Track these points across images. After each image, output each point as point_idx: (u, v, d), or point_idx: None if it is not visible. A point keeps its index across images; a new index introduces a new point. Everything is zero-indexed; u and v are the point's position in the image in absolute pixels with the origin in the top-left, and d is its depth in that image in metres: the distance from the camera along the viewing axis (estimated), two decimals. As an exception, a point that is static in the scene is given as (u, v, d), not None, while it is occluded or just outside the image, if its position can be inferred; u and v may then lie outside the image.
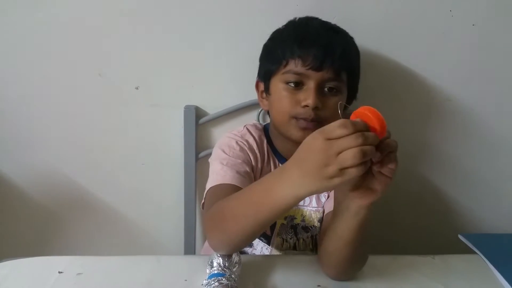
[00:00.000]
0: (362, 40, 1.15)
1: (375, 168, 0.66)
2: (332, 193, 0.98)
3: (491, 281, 0.89)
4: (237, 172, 0.93)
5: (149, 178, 1.31)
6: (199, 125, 1.24)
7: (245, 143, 1.01)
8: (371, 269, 0.89)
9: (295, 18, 1.03)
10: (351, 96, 1.03)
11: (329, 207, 0.94)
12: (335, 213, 0.77)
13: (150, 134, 1.28)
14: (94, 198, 1.34)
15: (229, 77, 1.19)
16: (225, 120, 1.24)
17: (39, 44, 1.17)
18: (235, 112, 1.23)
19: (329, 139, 0.60)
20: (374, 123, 0.62)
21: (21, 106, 1.24)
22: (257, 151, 1.02)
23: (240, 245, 0.86)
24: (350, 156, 0.58)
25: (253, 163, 1.00)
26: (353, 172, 0.59)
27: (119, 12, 1.15)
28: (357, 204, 0.70)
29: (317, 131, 0.62)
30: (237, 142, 1.01)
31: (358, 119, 0.62)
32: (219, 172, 0.93)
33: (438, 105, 1.26)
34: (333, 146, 0.59)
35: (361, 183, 0.68)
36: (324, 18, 1.03)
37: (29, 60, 1.19)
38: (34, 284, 0.81)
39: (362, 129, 0.60)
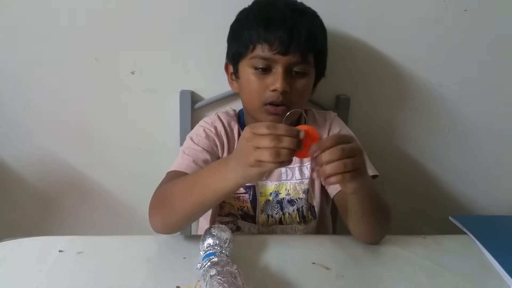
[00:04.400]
0: (353, 27, 1.18)
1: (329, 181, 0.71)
2: None
3: (480, 260, 0.91)
4: (193, 161, 0.96)
5: (144, 162, 1.33)
6: (194, 110, 1.25)
7: (213, 129, 1.05)
8: (363, 247, 0.92)
9: None
10: (319, 74, 1.05)
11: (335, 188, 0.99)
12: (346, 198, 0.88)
13: (146, 118, 1.29)
14: (90, 182, 1.35)
15: (224, 62, 1.20)
16: (221, 105, 1.26)
17: (35, 30, 1.17)
18: (230, 97, 1.24)
19: (255, 134, 0.68)
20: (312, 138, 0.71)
21: (18, 92, 1.24)
22: (224, 137, 1.05)
23: (180, 225, 0.90)
24: (265, 152, 0.67)
25: (219, 147, 1.04)
26: (269, 166, 0.68)
27: (115, -3, 1.15)
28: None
29: (250, 126, 0.70)
30: (204, 130, 1.05)
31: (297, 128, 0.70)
32: (178, 159, 0.99)
33: (430, 91, 1.29)
34: (253, 140, 0.68)
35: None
36: (314, 5, 1.03)
37: (25, 45, 1.19)
38: (35, 262, 0.82)
39: (283, 132, 0.67)
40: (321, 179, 0.72)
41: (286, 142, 0.67)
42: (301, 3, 1.03)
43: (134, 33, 1.19)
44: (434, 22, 1.20)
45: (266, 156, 0.67)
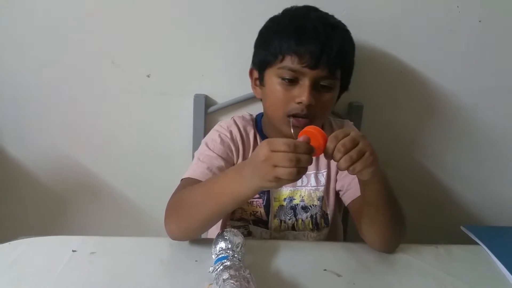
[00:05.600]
0: (369, 36, 1.18)
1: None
2: (333, 174, 1.07)
3: (493, 271, 0.91)
4: (208, 168, 0.96)
5: (157, 165, 1.34)
6: (208, 114, 1.26)
7: (228, 134, 1.05)
8: (375, 255, 0.92)
9: (292, 7, 1.03)
10: (343, 88, 1.05)
11: (352, 191, 1.01)
12: (362, 188, 0.88)
13: (159, 121, 1.30)
14: (102, 183, 1.36)
15: (238, 67, 1.20)
16: (234, 109, 1.26)
17: (52, 31, 1.19)
18: (244, 101, 1.25)
19: (273, 151, 0.70)
20: (318, 138, 0.74)
21: (33, 93, 1.26)
22: (239, 142, 1.05)
23: (196, 232, 0.91)
24: (285, 172, 0.69)
25: (234, 152, 1.04)
26: (287, 182, 0.71)
27: (132, 2, 1.17)
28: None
29: (267, 141, 0.72)
30: (219, 135, 1.04)
31: (303, 136, 0.73)
32: (193, 166, 0.99)
33: (443, 100, 1.28)
34: (273, 158, 0.70)
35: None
36: (331, 12, 1.03)
37: (42, 47, 1.21)
38: (49, 261, 0.83)
39: (302, 150, 0.70)
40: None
41: (304, 161, 0.70)
42: (333, 17, 1.02)
43: (150, 37, 1.20)
44: (449, 31, 1.20)
45: (285, 175, 0.69)
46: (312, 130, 0.75)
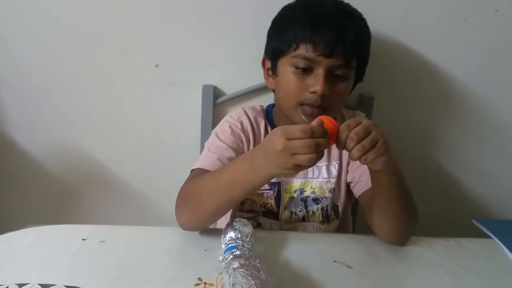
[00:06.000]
0: (381, 26, 1.15)
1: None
2: (344, 165, 1.06)
3: (506, 265, 0.89)
4: (218, 159, 0.95)
5: (165, 155, 1.33)
6: (216, 104, 1.25)
7: (239, 125, 1.04)
8: (385, 247, 0.91)
9: None
10: (358, 79, 1.03)
11: (363, 183, 0.99)
12: (374, 179, 0.86)
13: (168, 112, 1.29)
14: (111, 173, 1.36)
15: (248, 57, 1.19)
16: (243, 100, 1.25)
17: (60, 21, 1.19)
18: (253, 92, 1.24)
19: (290, 139, 0.69)
20: (331, 127, 0.73)
21: (42, 84, 1.26)
22: (250, 132, 1.04)
23: (207, 222, 0.89)
24: (305, 158, 0.69)
25: (245, 143, 1.03)
26: (304, 168, 0.71)
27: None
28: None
29: (281, 130, 0.71)
30: (230, 126, 1.03)
31: (316, 120, 0.73)
32: (203, 156, 0.98)
33: (455, 92, 1.26)
34: (291, 147, 0.69)
35: None
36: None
37: (50, 37, 1.20)
38: (58, 250, 0.83)
39: (318, 134, 0.69)
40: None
41: (323, 145, 0.70)
42: (349, 5, 1.00)
43: (159, 27, 1.19)
44: (463, 21, 1.18)
45: (306, 161, 0.69)
46: (324, 120, 0.74)
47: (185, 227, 0.89)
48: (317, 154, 0.69)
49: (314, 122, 0.72)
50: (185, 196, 0.88)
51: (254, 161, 0.76)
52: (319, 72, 0.92)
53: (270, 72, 1.04)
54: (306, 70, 0.93)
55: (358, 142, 0.72)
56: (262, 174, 0.76)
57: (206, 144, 1.02)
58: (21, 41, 1.21)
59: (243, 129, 1.04)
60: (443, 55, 1.22)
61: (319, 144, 0.69)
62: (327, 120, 0.74)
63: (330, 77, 0.93)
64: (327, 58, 0.91)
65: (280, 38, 0.97)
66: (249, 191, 0.82)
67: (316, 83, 0.92)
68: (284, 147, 0.69)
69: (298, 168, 0.70)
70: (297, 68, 0.94)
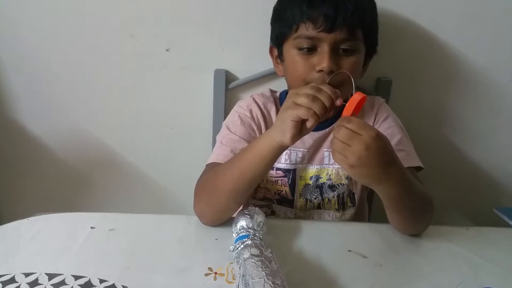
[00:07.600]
0: (397, 7, 1.13)
1: None
2: None
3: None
4: (231, 152, 0.94)
5: (177, 142, 1.32)
6: (228, 89, 1.22)
7: (248, 113, 1.02)
8: (402, 237, 0.88)
9: None
10: (371, 51, 0.99)
11: None
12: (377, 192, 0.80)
13: (179, 97, 1.27)
14: (122, 160, 1.35)
15: (260, 41, 1.16)
16: (255, 85, 1.23)
17: (70, 5, 1.17)
18: (266, 77, 1.21)
19: (298, 93, 0.73)
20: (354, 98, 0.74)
21: (52, 69, 1.24)
22: (261, 119, 1.02)
23: (225, 208, 0.86)
24: (304, 110, 0.71)
25: (257, 131, 1.01)
26: (304, 131, 0.74)
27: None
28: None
29: (292, 91, 0.75)
30: (239, 116, 1.01)
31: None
32: (216, 150, 0.97)
33: (475, 75, 1.22)
34: (294, 104, 0.72)
35: None
36: None
37: (60, 22, 1.19)
38: (67, 238, 0.82)
39: (325, 91, 0.72)
40: None
41: (325, 98, 0.72)
42: None
43: (169, 10, 1.17)
44: (484, 1, 1.13)
45: (303, 113, 0.71)
46: (356, 97, 0.74)
47: (204, 219, 0.87)
48: (319, 109, 0.70)
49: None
50: (201, 187, 0.88)
51: (265, 133, 0.79)
52: (324, 49, 0.90)
53: (278, 60, 1.03)
54: (311, 50, 0.91)
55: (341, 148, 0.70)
56: (266, 138, 0.77)
57: (218, 137, 1.01)
58: (30, 26, 1.19)
59: (252, 118, 1.02)
60: (463, 36, 1.18)
61: (322, 92, 0.71)
62: (351, 102, 0.74)
63: (336, 52, 0.91)
64: (329, 33, 0.88)
65: (281, 22, 0.96)
66: (259, 161, 0.79)
67: (321, 60, 0.89)
68: (289, 105, 0.72)
69: (296, 125, 0.72)
70: (301, 49, 0.92)
